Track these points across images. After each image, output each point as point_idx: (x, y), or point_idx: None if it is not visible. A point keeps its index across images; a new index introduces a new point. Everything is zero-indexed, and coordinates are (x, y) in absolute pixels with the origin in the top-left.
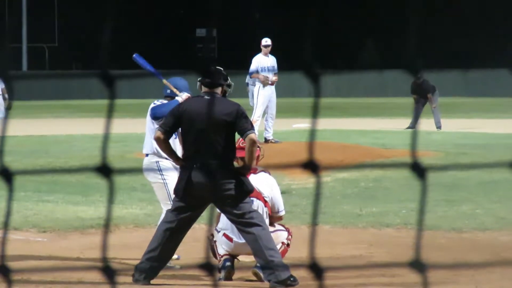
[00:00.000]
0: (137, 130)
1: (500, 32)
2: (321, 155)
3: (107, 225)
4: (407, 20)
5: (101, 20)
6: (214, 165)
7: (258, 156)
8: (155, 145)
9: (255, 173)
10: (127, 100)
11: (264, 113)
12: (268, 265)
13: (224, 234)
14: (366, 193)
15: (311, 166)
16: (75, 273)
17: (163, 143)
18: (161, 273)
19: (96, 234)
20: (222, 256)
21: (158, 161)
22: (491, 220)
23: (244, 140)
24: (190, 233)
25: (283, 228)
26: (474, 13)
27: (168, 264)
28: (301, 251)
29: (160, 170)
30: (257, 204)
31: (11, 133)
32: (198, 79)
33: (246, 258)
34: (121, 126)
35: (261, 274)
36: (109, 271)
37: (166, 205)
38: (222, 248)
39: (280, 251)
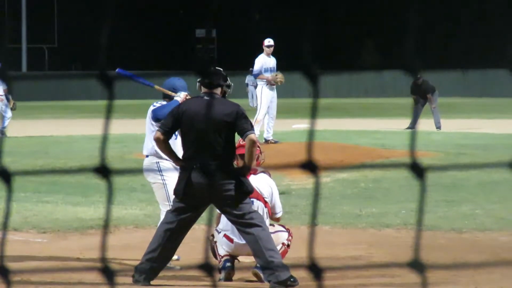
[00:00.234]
0: (136, 130)
1: (500, 33)
2: (321, 155)
3: (106, 226)
4: (406, 21)
5: (100, 21)
6: (213, 165)
7: (258, 157)
8: (155, 146)
9: (255, 174)
10: (127, 100)
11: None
12: (268, 265)
13: (225, 235)
14: (365, 193)
15: (310, 167)
16: (75, 274)
17: (163, 143)
18: (161, 273)
19: (95, 235)
20: (222, 257)
21: (158, 162)
22: (491, 220)
23: (244, 140)
24: (190, 234)
25: (283, 229)
26: (474, 14)
27: (168, 265)
28: (300, 252)
29: (160, 170)
30: (257, 205)
31: (10, 134)
32: (198, 79)
33: (246, 259)
34: (121, 126)
35: (261, 275)
36: (109, 272)
37: (164, 206)
38: (222, 248)
39: (280, 252)
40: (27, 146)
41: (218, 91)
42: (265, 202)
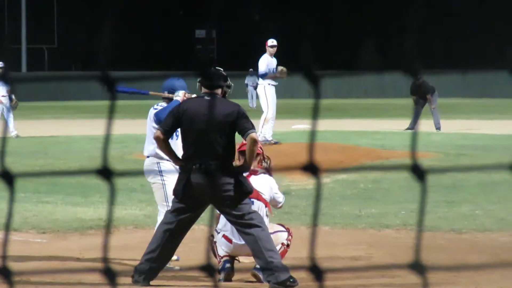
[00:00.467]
0: (136, 131)
1: (499, 34)
2: (321, 156)
3: (108, 227)
4: (406, 22)
5: (100, 22)
6: (213, 165)
7: (260, 160)
8: (156, 147)
9: (255, 174)
10: (127, 101)
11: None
12: (267, 266)
13: (224, 236)
14: (365, 194)
15: (311, 169)
16: (75, 274)
17: (163, 142)
18: (161, 274)
19: (95, 235)
20: (221, 258)
21: (159, 162)
22: (491, 221)
23: (245, 139)
24: (189, 234)
25: (283, 229)
26: (474, 15)
27: (167, 265)
28: (300, 252)
29: (160, 171)
30: (257, 206)
31: (10, 134)
32: (198, 79)
33: (246, 259)
34: (121, 127)
35: (260, 276)
36: (108, 272)
37: (162, 206)
38: (221, 249)
39: (280, 252)
40: (27, 147)
41: (218, 91)
42: (266, 203)
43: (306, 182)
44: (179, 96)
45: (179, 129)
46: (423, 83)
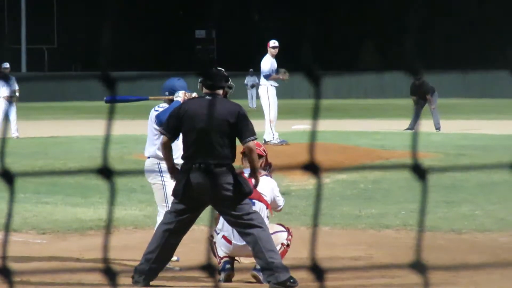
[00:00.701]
0: (136, 131)
1: (500, 34)
2: (321, 156)
3: (108, 228)
4: (406, 22)
5: (100, 22)
6: (213, 165)
7: (262, 163)
8: (156, 149)
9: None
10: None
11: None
12: (268, 266)
13: (223, 236)
14: (365, 194)
15: (312, 168)
16: (75, 275)
17: (167, 148)
18: (160, 274)
19: (95, 236)
20: (221, 258)
21: (159, 163)
22: (491, 221)
23: (243, 147)
24: (189, 235)
25: (283, 229)
26: (474, 15)
27: (167, 266)
28: (300, 252)
29: (160, 171)
30: (259, 207)
31: (10, 135)
32: (200, 80)
33: (246, 260)
34: (121, 127)
35: (260, 277)
36: (109, 273)
37: (162, 207)
38: (221, 250)
39: (280, 252)
40: (27, 147)
41: (220, 92)
42: (267, 204)
43: (306, 182)
44: (180, 96)
45: None
46: (423, 83)
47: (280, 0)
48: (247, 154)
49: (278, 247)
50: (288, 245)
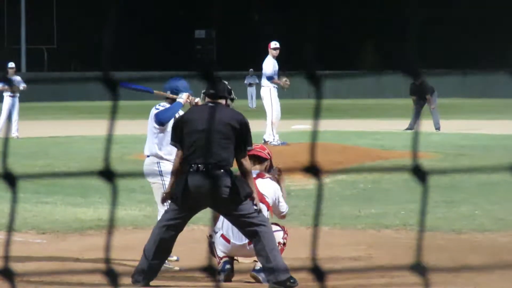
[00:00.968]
0: (136, 131)
1: (500, 34)
2: (321, 156)
3: (110, 229)
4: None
5: (100, 22)
6: (212, 167)
7: (267, 166)
8: (155, 148)
9: (262, 178)
10: (126, 101)
11: (265, 114)
12: (269, 265)
13: (222, 235)
14: (365, 194)
15: (313, 170)
16: (74, 275)
17: (179, 159)
18: (160, 274)
19: (95, 236)
20: (221, 259)
21: (159, 162)
22: (490, 221)
23: (237, 161)
24: (189, 235)
25: (278, 228)
26: (474, 15)
27: (167, 266)
28: (300, 252)
29: (160, 171)
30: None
31: (10, 135)
32: (202, 91)
33: (245, 260)
34: (120, 127)
35: (260, 278)
36: (109, 273)
37: (162, 206)
38: (219, 249)
39: None
40: (27, 147)
41: (222, 102)
42: (268, 206)
43: (305, 182)
44: (182, 98)
45: None
46: (423, 83)
47: (280, 0)
48: (243, 163)
49: None
50: (284, 244)
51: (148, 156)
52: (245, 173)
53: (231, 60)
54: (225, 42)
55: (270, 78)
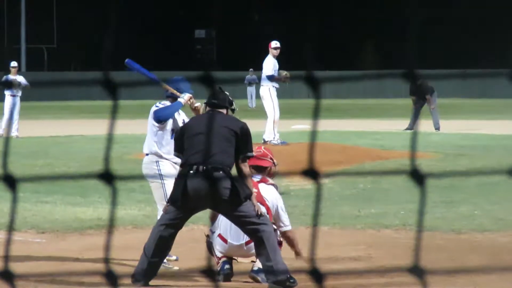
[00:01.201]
0: (135, 131)
1: (500, 34)
2: (321, 156)
3: (110, 229)
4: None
5: (100, 22)
6: (211, 169)
7: (272, 173)
8: (155, 146)
9: (266, 183)
10: (126, 101)
11: (265, 114)
12: (269, 265)
13: (219, 235)
14: (364, 194)
15: (311, 174)
16: (74, 274)
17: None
18: (160, 274)
19: (95, 235)
20: (220, 259)
21: (158, 161)
22: (490, 221)
23: (240, 160)
24: (188, 234)
25: (274, 227)
26: (474, 15)
27: (166, 265)
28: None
29: (159, 170)
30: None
31: (12, 134)
32: (204, 102)
33: (245, 260)
34: (120, 127)
35: (259, 278)
36: (109, 273)
37: (162, 205)
38: (217, 249)
39: None
40: (27, 147)
41: (223, 111)
42: (268, 209)
43: (305, 182)
44: (184, 98)
45: (177, 128)
46: (423, 83)
47: (280, 0)
48: (243, 169)
49: None
50: (280, 243)
51: (147, 154)
52: (244, 178)
53: (231, 60)
54: (225, 42)
55: (270, 78)
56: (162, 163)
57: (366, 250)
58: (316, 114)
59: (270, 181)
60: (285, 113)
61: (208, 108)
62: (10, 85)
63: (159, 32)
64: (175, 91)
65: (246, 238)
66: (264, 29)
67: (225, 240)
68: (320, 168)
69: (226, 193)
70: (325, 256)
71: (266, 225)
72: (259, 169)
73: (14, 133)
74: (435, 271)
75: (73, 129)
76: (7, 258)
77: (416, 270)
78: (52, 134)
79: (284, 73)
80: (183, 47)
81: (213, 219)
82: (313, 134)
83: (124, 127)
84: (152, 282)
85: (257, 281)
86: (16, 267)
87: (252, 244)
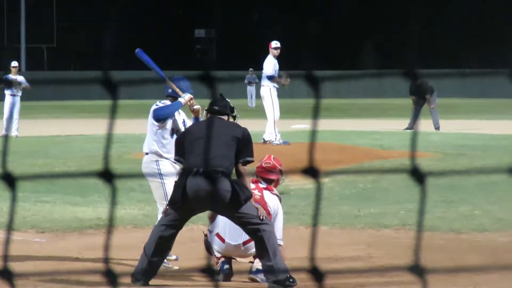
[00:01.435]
0: (135, 130)
1: (500, 34)
2: (320, 156)
3: (109, 228)
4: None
5: (99, 21)
6: (211, 172)
7: (278, 181)
8: (155, 145)
9: (271, 192)
10: (126, 101)
11: (265, 114)
12: (269, 265)
13: (217, 234)
14: (364, 194)
15: (312, 172)
16: (74, 274)
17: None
18: (159, 274)
19: (94, 235)
20: (219, 259)
21: (157, 160)
22: (489, 221)
23: (238, 167)
24: (188, 234)
25: None
26: (474, 15)
27: (166, 265)
28: (299, 252)
29: (159, 169)
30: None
31: (11, 134)
32: (205, 108)
33: (244, 260)
34: (120, 126)
35: (258, 279)
36: (109, 272)
37: (162, 205)
38: (215, 249)
39: None
40: (26, 146)
41: (224, 118)
42: (269, 214)
43: (304, 181)
44: (184, 98)
45: (177, 128)
46: (422, 83)
47: (280, 0)
48: (242, 173)
49: None
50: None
51: (147, 153)
52: (243, 180)
53: (231, 60)
54: (225, 42)
55: (270, 78)
56: (162, 162)
57: (366, 249)
58: (316, 113)
59: (275, 191)
60: (285, 112)
61: (209, 115)
62: (10, 83)
63: (159, 32)
64: (177, 89)
65: (243, 238)
66: (264, 29)
67: (222, 240)
68: (320, 167)
69: (226, 195)
70: (325, 255)
71: (267, 225)
72: (267, 181)
73: (14, 132)
74: (435, 271)
75: (73, 129)
76: (6, 257)
77: (416, 269)
78: (51, 134)
79: (284, 75)
80: (183, 47)
81: (211, 219)
82: (313, 133)
83: (124, 126)
84: (152, 282)
85: (256, 282)
86: (16, 267)
87: (250, 244)
